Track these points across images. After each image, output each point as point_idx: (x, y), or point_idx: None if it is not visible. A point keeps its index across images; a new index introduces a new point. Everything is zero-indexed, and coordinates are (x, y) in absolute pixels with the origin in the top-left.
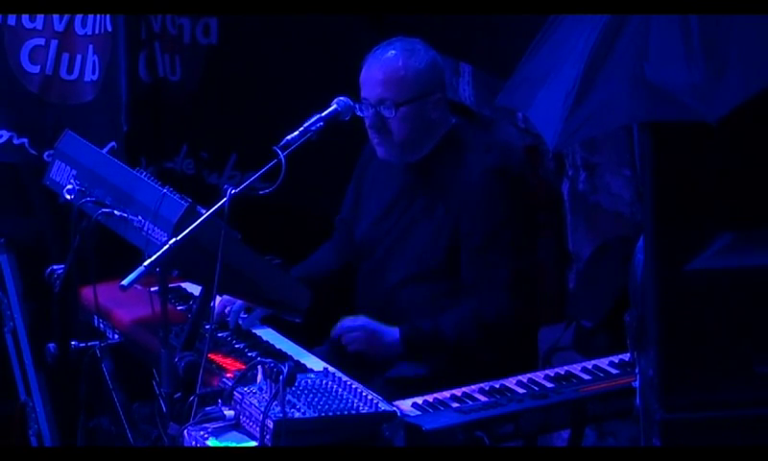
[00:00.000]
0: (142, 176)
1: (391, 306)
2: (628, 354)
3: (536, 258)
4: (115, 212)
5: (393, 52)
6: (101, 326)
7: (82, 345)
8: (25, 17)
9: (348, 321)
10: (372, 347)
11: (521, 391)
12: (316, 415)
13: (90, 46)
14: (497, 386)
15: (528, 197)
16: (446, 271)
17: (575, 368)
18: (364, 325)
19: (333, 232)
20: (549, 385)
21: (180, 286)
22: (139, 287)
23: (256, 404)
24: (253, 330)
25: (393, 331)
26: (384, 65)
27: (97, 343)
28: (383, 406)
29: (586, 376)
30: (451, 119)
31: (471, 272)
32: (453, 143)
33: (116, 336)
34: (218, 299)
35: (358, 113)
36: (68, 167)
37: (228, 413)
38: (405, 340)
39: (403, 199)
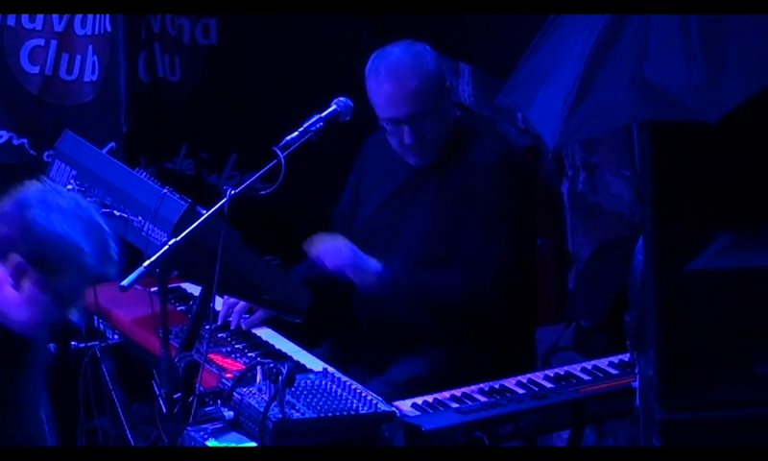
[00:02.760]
0: (142, 176)
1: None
2: (628, 354)
3: (533, 255)
4: (115, 212)
5: (405, 64)
6: (101, 326)
7: (82, 345)
8: (25, 17)
9: (331, 240)
10: (356, 269)
11: (521, 391)
12: (315, 416)
13: (90, 46)
14: (497, 386)
15: (531, 193)
16: (448, 259)
17: (575, 368)
18: (351, 247)
19: (332, 226)
20: (549, 385)
21: (180, 286)
22: (139, 287)
23: (256, 405)
24: (253, 331)
25: (376, 263)
26: (405, 81)
27: (97, 343)
28: (382, 407)
29: (585, 377)
30: (456, 111)
31: (463, 247)
32: (459, 133)
33: (116, 336)
34: (219, 300)
35: (389, 138)
36: (68, 167)
37: (228, 413)
38: (388, 276)
39: (409, 188)
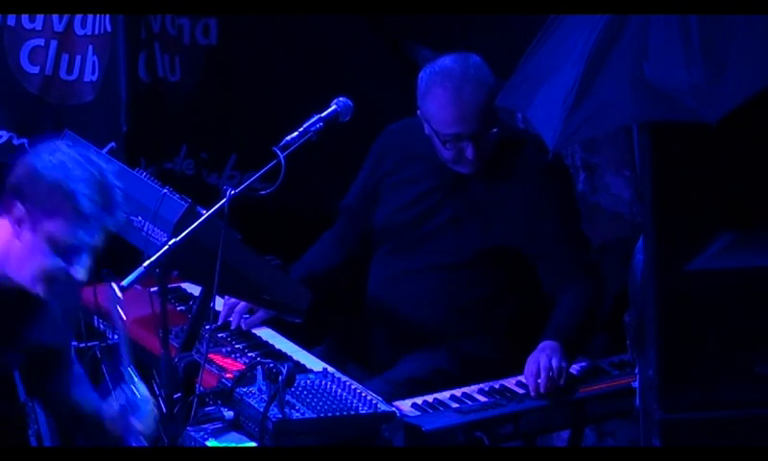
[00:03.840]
0: (142, 176)
1: (406, 290)
2: (628, 354)
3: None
4: None
5: (470, 81)
6: (101, 326)
7: (82, 345)
8: (25, 17)
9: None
10: (558, 361)
11: (521, 391)
12: (315, 416)
13: (90, 46)
14: (497, 386)
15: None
16: (469, 264)
17: (574, 368)
18: (536, 359)
19: (337, 218)
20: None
21: (180, 286)
22: (139, 287)
23: (256, 405)
24: (253, 331)
25: (549, 344)
26: (471, 99)
27: (97, 343)
28: (382, 407)
29: (585, 377)
30: None
31: (559, 261)
32: (499, 139)
33: (116, 336)
34: (219, 300)
35: (442, 151)
36: None
37: (228, 413)
38: (561, 342)
39: (442, 189)
